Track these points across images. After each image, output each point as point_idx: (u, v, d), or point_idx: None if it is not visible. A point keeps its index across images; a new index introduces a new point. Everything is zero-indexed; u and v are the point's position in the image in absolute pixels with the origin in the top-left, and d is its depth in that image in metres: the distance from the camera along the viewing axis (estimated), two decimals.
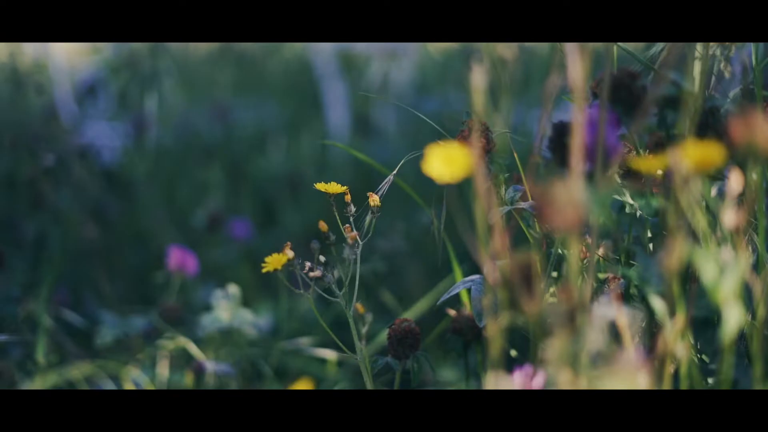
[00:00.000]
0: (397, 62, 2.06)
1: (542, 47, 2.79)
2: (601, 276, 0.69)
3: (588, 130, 0.64)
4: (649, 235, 0.71)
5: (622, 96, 0.65)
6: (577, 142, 0.63)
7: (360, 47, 2.09)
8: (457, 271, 0.90)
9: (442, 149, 0.56)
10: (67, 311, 1.19)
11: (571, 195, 0.49)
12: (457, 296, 0.92)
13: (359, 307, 0.74)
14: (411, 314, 0.96)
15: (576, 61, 0.56)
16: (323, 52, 2.00)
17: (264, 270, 0.74)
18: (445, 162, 0.55)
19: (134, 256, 1.74)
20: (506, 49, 0.64)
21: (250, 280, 1.52)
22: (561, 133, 0.64)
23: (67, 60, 2.23)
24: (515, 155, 0.80)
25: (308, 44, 2.04)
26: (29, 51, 2.23)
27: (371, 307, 1.14)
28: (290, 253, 0.73)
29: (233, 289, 1.00)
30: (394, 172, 0.84)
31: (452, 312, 0.88)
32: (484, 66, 0.69)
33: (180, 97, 2.12)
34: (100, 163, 2.08)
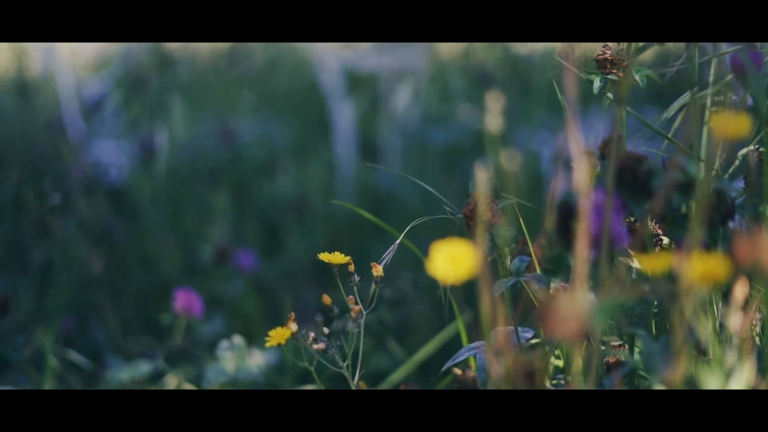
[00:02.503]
0: (404, 81, 2.06)
1: (543, 60, 2.78)
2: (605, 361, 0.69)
3: (593, 216, 0.64)
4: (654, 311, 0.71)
5: (627, 180, 0.65)
6: (583, 229, 0.62)
7: (367, 65, 2.09)
8: (463, 334, 0.90)
9: (446, 248, 0.56)
10: (73, 353, 1.19)
11: (575, 306, 0.49)
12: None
13: (362, 384, 0.74)
14: (416, 370, 0.96)
15: (581, 162, 0.56)
16: (330, 70, 1.99)
17: (267, 344, 0.74)
18: (450, 263, 0.55)
19: (140, 280, 1.75)
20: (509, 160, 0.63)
21: (256, 311, 1.53)
22: (566, 215, 0.64)
23: (74, 76, 2.23)
24: (521, 221, 0.80)
25: (315, 61, 2.04)
26: (37, 66, 2.23)
27: (376, 357, 1.14)
28: (293, 327, 0.73)
29: (238, 339, 1.00)
30: (400, 238, 0.84)
31: (458, 371, 0.88)
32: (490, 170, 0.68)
33: (186, 116, 2.12)
34: (106, 181, 2.09)
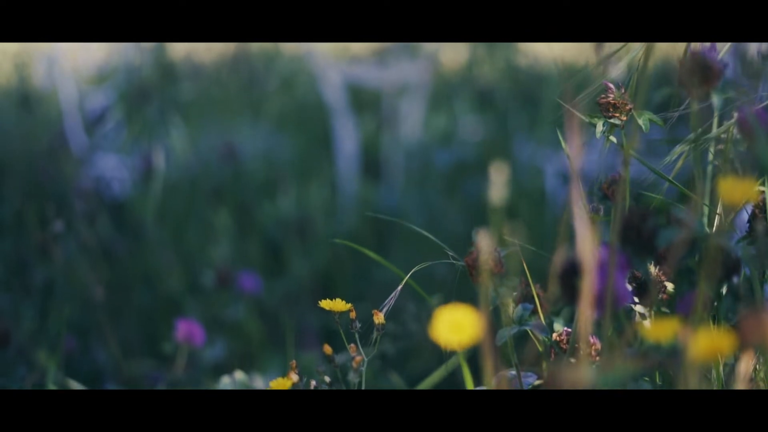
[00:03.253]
0: (407, 96, 2.06)
1: (546, 72, 2.77)
2: None
3: (597, 274, 0.64)
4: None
5: (631, 237, 0.64)
6: (587, 287, 0.62)
7: (370, 79, 2.08)
8: (467, 377, 0.89)
9: (449, 315, 0.55)
10: (73, 382, 1.19)
11: (580, 379, 0.49)
12: None
13: None
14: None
15: (585, 226, 0.55)
16: (332, 85, 1.99)
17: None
18: (453, 329, 0.55)
19: (142, 298, 1.75)
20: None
21: (258, 334, 1.53)
22: (570, 273, 0.64)
23: (77, 88, 2.23)
24: (525, 266, 0.79)
25: (318, 75, 2.03)
26: (39, 78, 2.23)
27: (377, 386, 1.13)
28: (294, 378, 0.72)
29: (239, 375, 1.00)
30: (402, 283, 0.84)
31: None
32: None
33: (188, 131, 2.12)
34: (109, 196, 2.09)
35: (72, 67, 2.26)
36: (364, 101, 2.14)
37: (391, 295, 0.81)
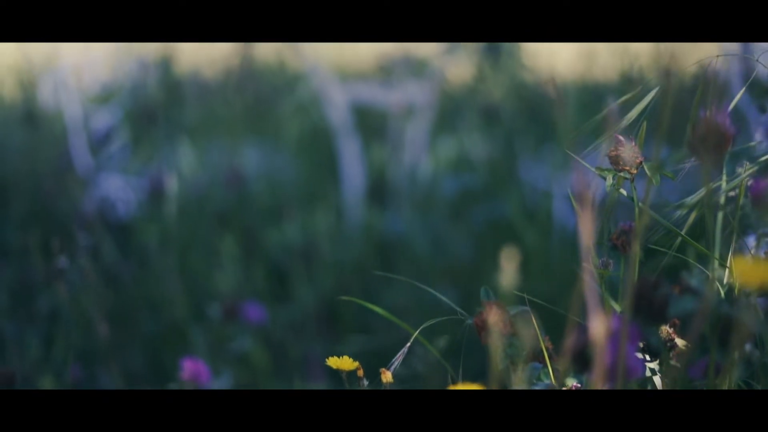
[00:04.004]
0: (413, 118, 2.05)
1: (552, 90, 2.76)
2: None
3: (609, 345, 0.63)
4: None
5: (643, 307, 0.64)
6: (599, 360, 0.61)
7: (375, 100, 2.08)
8: None
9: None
10: None
11: None
12: None
13: None
14: None
15: (595, 311, 0.55)
16: (337, 105, 1.99)
17: None
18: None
19: (147, 323, 1.75)
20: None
21: (264, 364, 1.52)
22: (581, 345, 0.63)
23: (82, 107, 2.23)
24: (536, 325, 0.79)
25: (323, 95, 2.03)
26: (45, 97, 2.23)
27: None
28: None
29: None
30: (408, 344, 0.83)
31: None
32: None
33: (194, 152, 2.11)
34: (114, 217, 2.09)
35: (77, 86, 2.26)
36: (370, 123, 2.13)
37: (399, 353, 0.80)
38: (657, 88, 0.80)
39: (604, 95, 2.46)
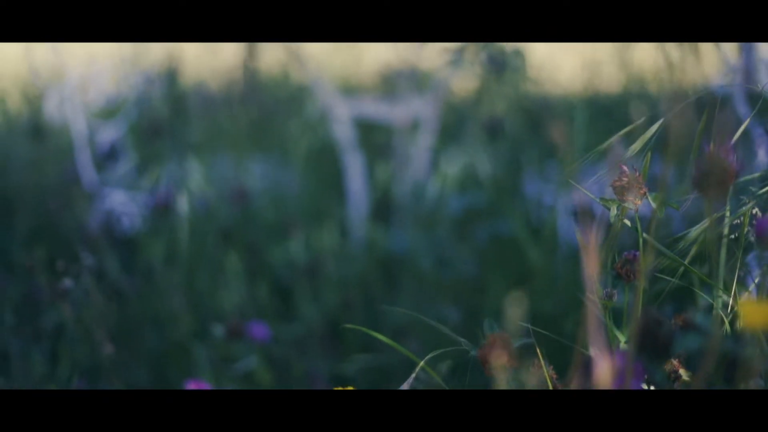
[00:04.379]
0: (416, 134, 2.05)
1: (557, 103, 2.76)
2: None
3: (614, 382, 0.63)
4: None
5: (647, 343, 0.64)
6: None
7: (379, 116, 2.08)
8: None
9: None
10: None
11: None
12: None
13: None
14: None
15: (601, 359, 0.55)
16: (340, 119, 1.99)
17: None
18: None
19: (152, 340, 1.75)
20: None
21: (267, 382, 1.52)
22: (586, 383, 0.63)
23: (87, 122, 2.24)
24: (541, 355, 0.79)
25: (327, 109, 2.03)
26: (50, 111, 2.24)
27: None
28: None
29: None
30: (420, 365, 0.83)
31: None
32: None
33: (199, 168, 2.12)
34: (119, 232, 2.09)
35: (82, 100, 2.27)
36: (374, 138, 2.14)
37: (405, 383, 0.80)
38: (661, 120, 0.80)
39: (608, 109, 2.46)
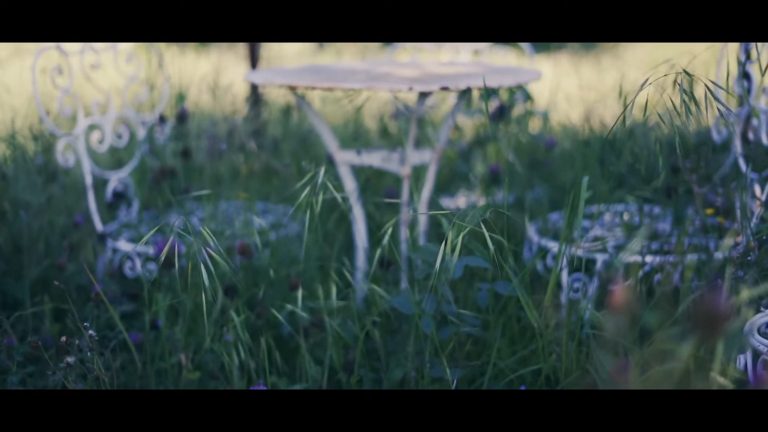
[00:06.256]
0: (419, 184, 2.07)
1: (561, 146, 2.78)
2: None
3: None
4: None
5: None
6: None
7: (382, 166, 2.10)
8: None
9: None
10: None
11: None
12: None
13: None
14: None
15: None
16: (345, 171, 2.01)
17: None
18: None
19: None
20: None
21: None
22: None
23: (97, 167, 2.26)
24: None
25: (332, 157, 2.05)
26: (61, 157, 2.27)
27: None
28: None
29: None
30: None
31: None
32: None
33: (203, 214, 2.14)
34: (126, 275, 2.11)
35: (91, 147, 2.30)
36: (376, 189, 2.16)
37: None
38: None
39: (610, 149, 2.46)
